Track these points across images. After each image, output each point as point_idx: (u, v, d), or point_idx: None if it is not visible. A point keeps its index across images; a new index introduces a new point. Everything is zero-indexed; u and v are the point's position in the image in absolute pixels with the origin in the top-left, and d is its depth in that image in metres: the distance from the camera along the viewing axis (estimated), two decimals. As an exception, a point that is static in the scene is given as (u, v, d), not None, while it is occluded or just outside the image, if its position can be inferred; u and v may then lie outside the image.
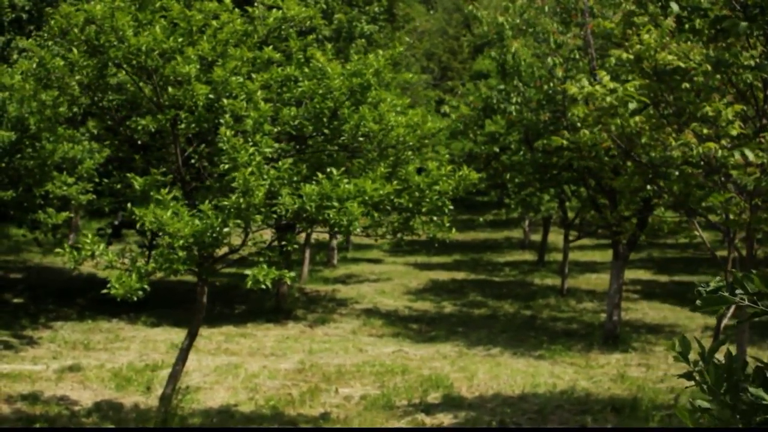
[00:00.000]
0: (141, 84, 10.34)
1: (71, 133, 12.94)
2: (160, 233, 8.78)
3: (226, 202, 8.61)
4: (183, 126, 9.92)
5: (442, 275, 24.68)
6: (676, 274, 24.97)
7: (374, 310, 19.09)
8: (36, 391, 11.37)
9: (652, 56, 9.06)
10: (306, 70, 10.01)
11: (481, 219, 25.66)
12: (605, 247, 27.19)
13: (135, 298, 8.39)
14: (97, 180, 14.71)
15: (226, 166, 8.83)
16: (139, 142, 11.60)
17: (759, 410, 2.57)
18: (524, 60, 16.73)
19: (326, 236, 25.79)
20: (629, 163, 12.01)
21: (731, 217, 10.38)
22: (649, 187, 12.74)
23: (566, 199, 21.81)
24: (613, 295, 16.04)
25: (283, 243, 9.51)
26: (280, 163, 9.00)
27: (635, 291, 21.96)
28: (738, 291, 2.60)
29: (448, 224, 9.79)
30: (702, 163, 9.52)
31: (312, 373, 12.95)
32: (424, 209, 9.55)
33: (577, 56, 15.79)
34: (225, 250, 9.56)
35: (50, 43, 11.36)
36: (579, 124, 11.59)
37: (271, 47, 10.34)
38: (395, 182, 9.30)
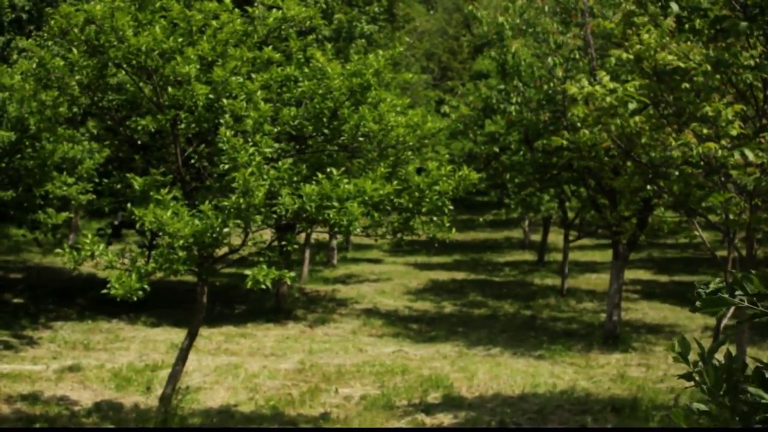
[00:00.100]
0: (141, 84, 10.34)
1: (71, 133, 12.93)
2: (160, 233, 8.78)
3: (226, 203, 8.61)
4: (183, 126, 9.92)
5: (442, 275, 24.68)
6: (676, 274, 24.96)
7: (374, 310, 19.09)
8: (36, 391, 11.37)
9: (652, 56, 9.05)
10: (306, 70, 10.01)
11: (481, 219, 25.65)
12: (605, 247, 27.19)
13: (135, 298, 8.39)
14: (97, 180, 14.71)
15: (226, 166, 8.83)
16: (139, 142, 11.60)
17: (759, 409, 2.57)
18: (524, 60, 16.73)
19: (326, 236, 25.79)
20: (629, 163, 12.01)
21: (731, 217, 10.38)
22: (649, 187, 12.73)
23: (566, 199, 21.81)
24: (613, 295, 16.04)
25: (283, 243, 9.51)
26: (280, 163, 9.00)
27: (635, 291, 21.96)
28: (737, 292, 2.60)
29: (448, 224, 9.79)
30: (702, 163, 9.53)
31: (312, 373, 12.95)
32: (424, 209, 9.55)
33: (577, 56, 15.79)
34: (225, 250, 9.56)
35: (50, 43, 11.37)
36: (579, 124, 11.59)
37: (271, 47, 10.34)
38: (395, 182, 9.30)
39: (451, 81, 40.40)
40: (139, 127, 10.42)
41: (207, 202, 8.83)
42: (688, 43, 9.16)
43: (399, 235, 10.18)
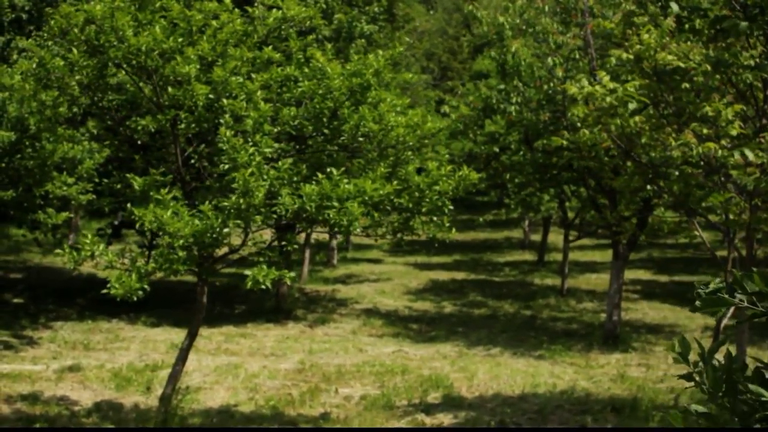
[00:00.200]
0: (141, 84, 10.34)
1: (71, 133, 12.93)
2: (160, 233, 8.78)
3: (226, 203, 8.61)
4: (183, 126, 9.92)
5: (442, 275, 24.68)
6: (676, 274, 24.96)
7: (374, 310, 19.09)
8: (36, 391, 11.37)
9: (652, 56, 9.06)
10: (306, 70, 10.01)
11: (481, 219, 25.65)
12: (605, 247, 27.19)
13: (135, 298, 8.39)
14: (97, 180, 14.71)
15: (226, 166, 8.83)
16: (139, 142, 11.60)
17: (759, 409, 2.57)
18: (524, 60, 16.72)
19: (326, 236, 25.79)
20: (629, 163, 12.01)
21: (731, 217, 10.38)
22: (649, 187, 12.74)
23: (566, 199, 21.81)
24: (613, 295, 16.04)
25: (283, 243, 9.51)
26: (280, 163, 9.00)
27: (635, 291, 21.96)
28: (737, 292, 2.60)
29: (448, 224, 9.79)
30: (702, 163, 9.53)
31: (312, 373, 12.95)
32: (424, 209, 9.55)
33: (577, 56, 15.79)
34: (225, 250, 9.56)
35: (50, 43, 11.37)
36: (579, 124, 11.59)
37: (270, 47, 10.34)
38: (395, 182, 9.30)
39: (451, 81, 40.40)
40: (139, 127, 10.42)
41: (207, 202, 8.83)
42: (688, 43, 9.17)
43: (399, 235, 10.18)
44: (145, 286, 8.46)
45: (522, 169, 18.69)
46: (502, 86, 18.76)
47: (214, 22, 10.00)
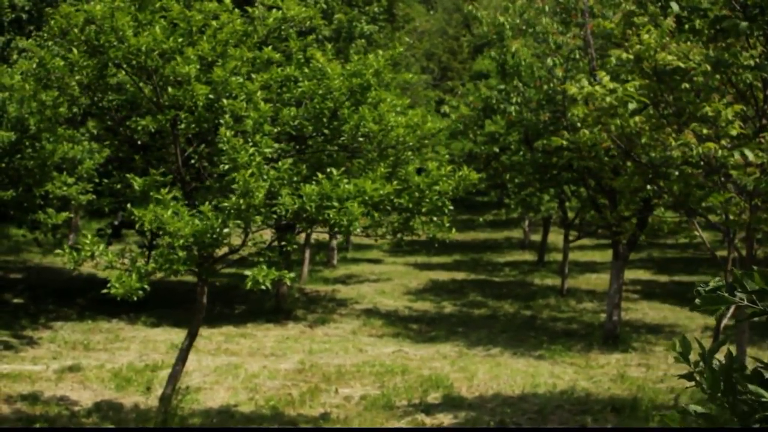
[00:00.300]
0: (141, 84, 10.34)
1: (71, 134, 12.93)
2: (160, 233, 8.79)
3: (226, 203, 8.61)
4: (183, 126, 9.92)
5: (442, 275, 24.68)
6: (676, 274, 24.97)
7: (374, 310, 19.09)
8: (36, 391, 11.37)
9: (652, 56, 9.06)
10: (306, 70, 10.01)
11: (481, 219, 25.66)
12: (605, 247, 27.18)
13: (135, 298, 8.40)
14: (97, 180, 14.71)
15: (226, 167, 8.83)
16: (139, 142, 11.60)
17: (758, 409, 2.56)
18: (524, 60, 16.73)
19: (326, 236, 25.79)
20: (629, 163, 12.01)
21: (731, 217, 10.38)
22: (649, 187, 12.74)
23: (566, 199, 21.81)
24: (613, 295, 16.04)
25: (283, 243, 9.51)
26: (280, 163, 9.00)
27: (635, 291, 21.96)
28: (737, 291, 2.60)
29: (448, 224, 9.79)
30: (702, 163, 9.53)
31: (312, 373, 12.95)
32: (424, 209, 9.55)
33: (577, 56, 15.79)
34: (225, 250, 9.56)
35: (50, 43, 11.37)
36: (579, 124, 11.59)
37: (270, 47, 10.34)
38: (395, 182, 9.30)
39: (451, 81, 40.40)
40: (139, 127, 10.42)
41: (207, 202, 8.84)
42: (688, 43, 9.17)
43: (399, 235, 10.18)
44: (145, 286, 8.47)
45: (522, 169, 18.69)
46: (502, 86, 18.77)
47: (214, 23, 10.01)
